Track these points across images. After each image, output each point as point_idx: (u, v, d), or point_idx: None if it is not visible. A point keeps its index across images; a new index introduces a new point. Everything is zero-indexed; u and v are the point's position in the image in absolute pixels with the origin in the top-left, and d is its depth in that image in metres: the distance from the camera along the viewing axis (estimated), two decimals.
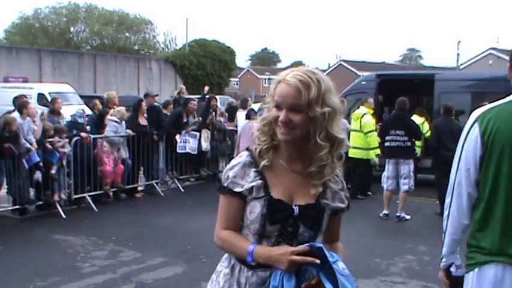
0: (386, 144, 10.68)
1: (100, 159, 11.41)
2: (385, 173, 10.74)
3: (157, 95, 15.05)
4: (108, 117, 11.95)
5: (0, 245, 8.43)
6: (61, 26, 62.72)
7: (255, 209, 2.46)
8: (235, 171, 2.51)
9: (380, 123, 12.50)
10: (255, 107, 15.11)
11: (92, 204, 11.00)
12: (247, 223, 2.50)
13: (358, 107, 13.01)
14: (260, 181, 2.47)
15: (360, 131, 12.25)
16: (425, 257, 8.19)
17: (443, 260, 3.11)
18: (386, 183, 10.66)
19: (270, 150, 2.51)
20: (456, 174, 2.92)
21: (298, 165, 2.52)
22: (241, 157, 2.55)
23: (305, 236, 2.48)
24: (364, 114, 12.35)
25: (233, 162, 2.56)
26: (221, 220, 2.57)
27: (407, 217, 10.48)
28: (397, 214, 10.50)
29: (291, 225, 2.46)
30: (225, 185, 2.52)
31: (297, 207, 2.46)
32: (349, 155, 12.53)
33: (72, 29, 63.89)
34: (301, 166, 2.51)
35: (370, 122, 12.27)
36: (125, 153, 11.90)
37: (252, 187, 2.46)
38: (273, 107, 2.47)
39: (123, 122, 12.00)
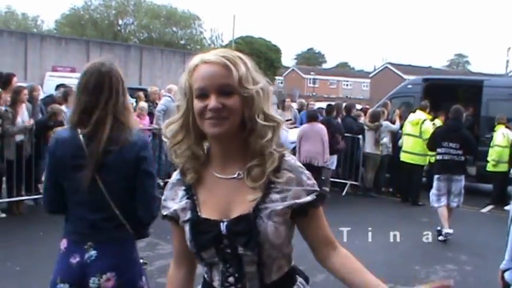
0: (438, 157, 9.60)
1: None
2: (433, 190, 9.59)
3: None
4: (163, 92, 12.74)
5: (40, 231, 8.53)
6: (110, 19, 63.52)
7: (186, 235, 2.06)
8: (166, 193, 2.16)
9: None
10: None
11: None
12: None
13: (414, 111, 12.80)
14: (186, 201, 2.08)
15: (419, 137, 12.05)
16: (467, 267, 8.01)
17: (504, 262, 3.00)
18: (437, 201, 9.50)
19: (194, 161, 2.06)
20: None
21: (234, 167, 2.03)
22: (174, 175, 2.18)
23: (248, 256, 1.98)
24: (425, 120, 12.18)
25: (169, 181, 2.21)
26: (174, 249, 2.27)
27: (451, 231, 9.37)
28: (438, 228, 9.49)
29: (228, 247, 1.99)
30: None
31: (224, 223, 1.98)
32: (404, 159, 12.39)
33: (120, 22, 64.67)
34: (237, 168, 2.02)
35: (430, 128, 11.95)
36: None
37: (176, 210, 2.10)
38: (194, 98, 1.98)
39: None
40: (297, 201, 1.99)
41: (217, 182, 2.04)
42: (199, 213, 2.03)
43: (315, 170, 11.51)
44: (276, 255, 2.01)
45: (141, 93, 13.65)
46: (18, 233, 8.54)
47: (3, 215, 9.26)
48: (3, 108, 9.28)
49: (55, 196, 3.14)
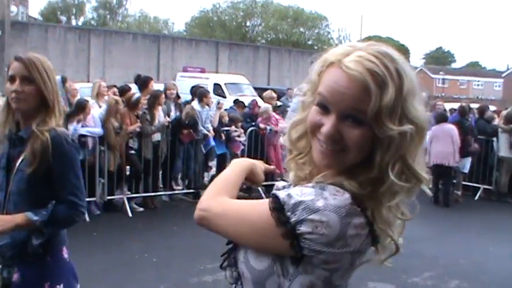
0: None
1: (268, 151, 11.57)
2: None
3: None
4: (295, 91, 12.42)
5: (174, 225, 8.88)
6: (238, 20, 64.96)
7: None
8: None
9: None
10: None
11: (263, 195, 11.18)
12: None
13: None
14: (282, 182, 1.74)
15: None
16: None
17: None
18: None
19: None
20: None
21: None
22: None
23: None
24: None
25: None
26: None
27: None
28: None
29: None
30: None
31: None
32: None
33: (248, 23, 65.91)
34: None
35: None
36: None
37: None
38: (312, 103, 1.48)
39: None
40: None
41: None
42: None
43: (446, 171, 11.22)
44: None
45: (273, 93, 13.64)
46: (154, 226, 8.94)
47: (141, 209, 9.72)
48: (141, 111, 9.74)
49: None
